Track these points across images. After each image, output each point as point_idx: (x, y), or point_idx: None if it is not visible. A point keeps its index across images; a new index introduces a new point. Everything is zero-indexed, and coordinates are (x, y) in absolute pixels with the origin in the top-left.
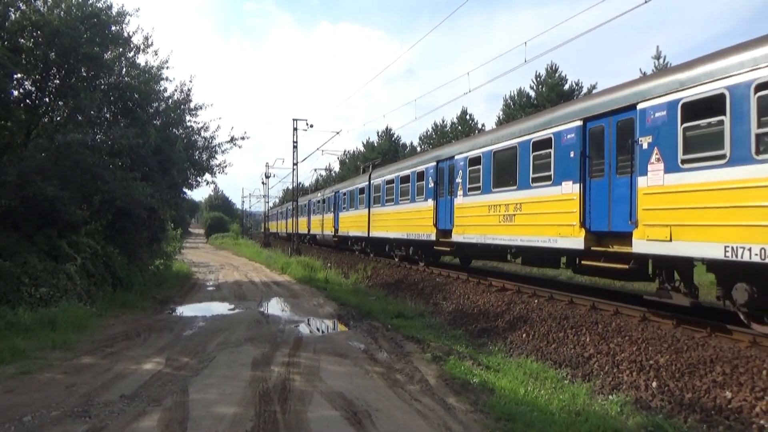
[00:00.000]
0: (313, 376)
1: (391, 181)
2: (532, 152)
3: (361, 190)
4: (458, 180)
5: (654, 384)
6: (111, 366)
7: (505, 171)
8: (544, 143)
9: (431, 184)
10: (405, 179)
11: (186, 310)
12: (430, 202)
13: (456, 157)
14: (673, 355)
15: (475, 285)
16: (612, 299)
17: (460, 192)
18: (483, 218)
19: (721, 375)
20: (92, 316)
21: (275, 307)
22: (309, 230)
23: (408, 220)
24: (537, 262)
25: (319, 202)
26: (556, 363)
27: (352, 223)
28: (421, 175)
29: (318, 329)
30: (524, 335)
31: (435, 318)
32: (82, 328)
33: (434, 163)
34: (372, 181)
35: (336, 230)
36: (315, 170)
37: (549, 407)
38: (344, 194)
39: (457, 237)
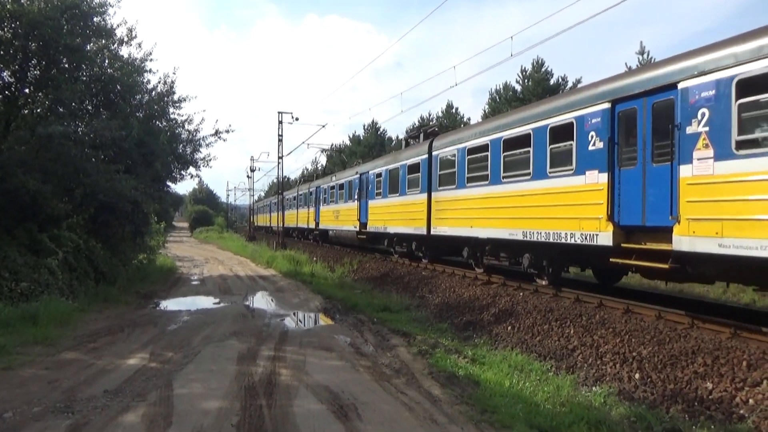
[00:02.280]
0: (299, 369)
1: (479, 149)
2: None
3: (413, 168)
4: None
5: (637, 375)
6: (94, 361)
7: None
8: None
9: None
10: (519, 142)
11: (170, 305)
12: (595, 176)
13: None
14: (656, 347)
15: (460, 278)
16: (596, 292)
17: None
18: None
19: (702, 366)
20: (74, 311)
21: (260, 301)
22: (317, 225)
23: (527, 208)
24: None
25: (332, 188)
26: (541, 355)
27: (393, 215)
28: (564, 132)
29: (304, 323)
30: (509, 328)
31: (421, 311)
32: (65, 323)
33: (645, 95)
34: (436, 153)
35: (363, 225)
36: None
37: (533, 399)
38: (377, 176)
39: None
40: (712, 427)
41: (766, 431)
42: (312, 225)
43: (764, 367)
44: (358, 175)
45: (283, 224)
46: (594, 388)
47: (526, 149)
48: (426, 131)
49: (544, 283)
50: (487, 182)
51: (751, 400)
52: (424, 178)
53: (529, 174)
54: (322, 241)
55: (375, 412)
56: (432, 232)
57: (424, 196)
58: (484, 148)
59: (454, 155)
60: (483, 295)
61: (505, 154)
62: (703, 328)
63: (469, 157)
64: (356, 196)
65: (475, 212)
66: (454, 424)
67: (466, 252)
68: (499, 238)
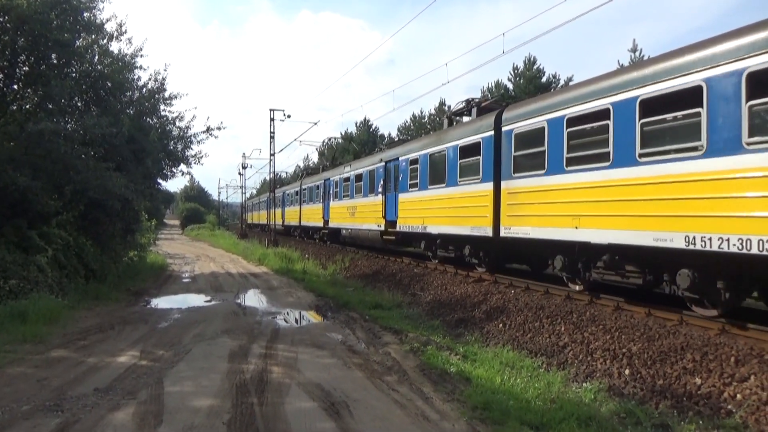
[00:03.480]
0: (291, 367)
1: (591, 117)
2: None
3: (468, 150)
4: None
5: (627, 371)
6: (84, 359)
7: None
8: None
9: None
10: (675, 101)
11: (161, 302)
12: None
13: None
14: (646, 343)
15: (452, 276)
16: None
17: None
18: None
19: (691, 362)
20: (64, 309)
21: (252, 298)
22: (326, 222)
23: (695, 201)
24: None
25: (346, 180)
26: (532, 352)
27: (436, 211)
28: None
29: (295, 321)
30: (501, 325)
31: (413, 309)
32: (54, 321)
33: None
34: (509, 128)
35: (390, 223)
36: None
37: (525, 395)
38: (411, 163)
39: None
40: (701, 422)
41: (753, 426)
42: (319, 223)
43: (752, 363)
44: (382, 164)
45: (283, 222)
46: (584, 385)
47: (691, 111)
48: (480, 105)
49: (713, 313)
50: (608, 163)
51: (738, 396)
52: (487, 163)
53: (698, 148)
54: (331, 242)
55: (367, 409)
56: (502, 234)
57: (489, 186)
58: (600, 114)
59: (542, 128)
60: (474, 292)
61: (644, 121)
62: (692, 324)
63: (570, 130)
64: (380, 189)
65: (585, 207)
66: (446, 421)
67: (560, 262)
68: (629, 245)
